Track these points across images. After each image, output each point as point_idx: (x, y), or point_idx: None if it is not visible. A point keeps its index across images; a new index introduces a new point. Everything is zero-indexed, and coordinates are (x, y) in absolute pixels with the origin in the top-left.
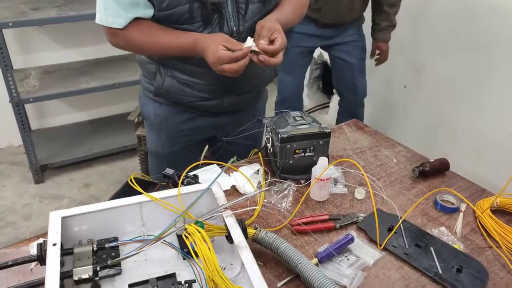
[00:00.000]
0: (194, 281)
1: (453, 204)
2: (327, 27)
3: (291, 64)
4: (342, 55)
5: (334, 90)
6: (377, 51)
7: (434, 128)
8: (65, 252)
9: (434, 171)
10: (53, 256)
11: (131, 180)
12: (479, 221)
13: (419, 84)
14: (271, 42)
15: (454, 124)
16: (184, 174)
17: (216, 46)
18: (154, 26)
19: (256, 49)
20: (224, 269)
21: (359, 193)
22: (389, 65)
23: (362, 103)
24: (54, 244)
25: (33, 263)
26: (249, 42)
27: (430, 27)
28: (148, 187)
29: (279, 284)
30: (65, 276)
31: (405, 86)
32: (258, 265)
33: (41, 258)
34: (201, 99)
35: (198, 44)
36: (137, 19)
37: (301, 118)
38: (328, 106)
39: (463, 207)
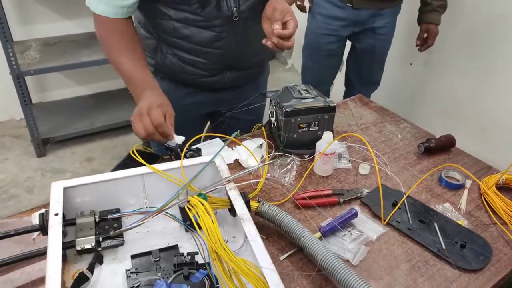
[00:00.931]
0: (196, 253)
1: (458, 180)
2: (362, 10)
3: (316, 51)
4: (367, 46)
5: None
6: (425, 35)
7: (439, 106)
8: (68, 222)
9: (439, 147)
10: (55, 225)
11: (133, 152)
12: (484, 198)
13: (426, 62)
14: (284, 24)
15: (460, 103)
16: (186, 147)
17: (159, 107)
18: (128, 40)
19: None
20: (227, 242)
21: (363, 169)
22: (394, 42)
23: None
24: (56, 214)
25: (35, 233)
26: (179, 140)
27: None
28: (150, 160)
29: (282, 257)
30: (67, 246)
31: (411, 64)
32: (261, 238)
33: (43, 228)
34: (202, 76)
35: (139, 85)
36: (125, 21)
37: (306, 92)
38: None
39: (468, 183)
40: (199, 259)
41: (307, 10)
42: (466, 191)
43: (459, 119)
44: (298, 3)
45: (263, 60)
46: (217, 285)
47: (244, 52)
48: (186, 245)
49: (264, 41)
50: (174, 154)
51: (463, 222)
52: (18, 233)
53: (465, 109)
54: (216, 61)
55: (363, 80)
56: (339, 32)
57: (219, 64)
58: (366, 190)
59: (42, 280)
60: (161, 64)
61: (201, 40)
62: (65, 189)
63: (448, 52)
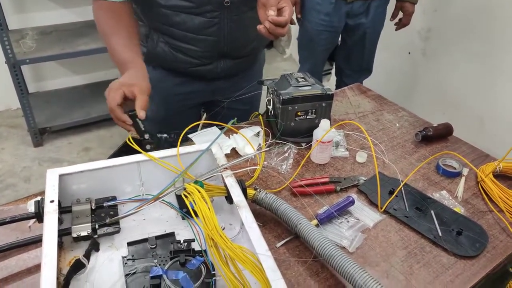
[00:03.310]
0: (193, 240)
1: (455, 168)
2: (354, 3)
3: (310, 44)
4: (358, 35)
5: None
6: (400, 13)
7: (438, 95)
8: (63, 210)
9: (437, 135)
10: (51, 212)
11: (129, 140)
12: (481, 185)
13: (424, 50)
14: (279, 11)
15: (458, 92)
16: (182, 134)
17: (120, 88)
18: (124, 25)
19: (141, 125)
20: (223, 229)
21: (361, 157)
22: (393, 31)
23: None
24: (52, 201)
25: (31, 221)
26: (141, 125)
27: None
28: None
29: (278, 244)
30: (63, 233)
31: (409, 53)
32: (258, 225)
33: (39, 215)
34: (194, 65)
35: (126, 67)
36: (123, 5)
37: (303, 80)
38: (330, 73)
39: (465, 171)
40: (195, 246)
41: (295, 22)
42: (463, 179)
43: (457, 108)
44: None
45: (257, 49)
46: (214, 272)
47: (237, 39)
48: (183, 232)
49: (258, 27)
50: (140, 135)
51: (459, 209)
52: (13, 220)
53: (463, 98)
54: (209, 49)
55: (353, 68)
56: (334, 28)
57: (212, 52)
58: (363, 178)
59: (38, 267)
60: (152, 52)
61: (193, 26)
62: (60, 176)
63: (447, 41)
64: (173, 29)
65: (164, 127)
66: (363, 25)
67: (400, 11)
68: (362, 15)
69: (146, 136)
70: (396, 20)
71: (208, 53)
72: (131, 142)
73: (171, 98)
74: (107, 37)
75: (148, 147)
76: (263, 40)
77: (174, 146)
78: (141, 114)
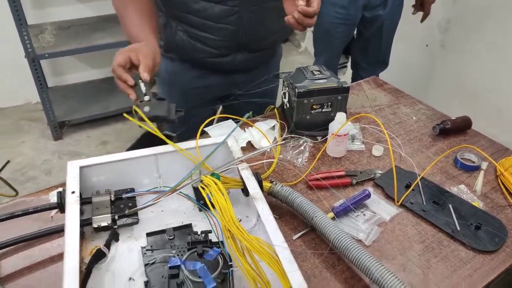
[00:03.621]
0: (210, 231)
1: (473, 162)
2: None
3: (326, 37)
4: (375, 28)
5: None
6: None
7: (456, 88)
8: (84, 201)
9: (455, 129)
10: (72, 203)
11: (147, 133)
12: (500, 179)
13: (443, 42)
14: (307, 2)
15: (476, 84)
16: (201, 128)
17: (126, 52)
18: (143, 11)
19: (142, 87)
20: (240, 221)
21: (377, 150)
22: (410, 23)
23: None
24: (73, 192)
25: (54, 211)
26: (143, 87)
27: None
28: (162, 141)
29: (294, 237)
30: (84, 223)
31: (427, 45)
32: (274, 218)
33: (60, 206)
34: (212, 55)
35: (137, 41)
36: None
37: (319, 73)
38: (345, 66)
39: (484, 165)
40: (212, 237)
41: None
42: (482, 172)
43: (476, 101)
44: None
45: (276, 42)
46: (231, 263)
47: (256, 30)
48: (200, 224)
49: (286, 18)
50: (140, 98)
51: (478, 203)
52: (36, 210)
53: (482, 91)
54: (228, 38)
55: (370, 61)
56: (351, 21)
57: (231, 42)
58: (380, 172)
59: (60, 256)
60: (170, 41)
61: (212, 14)
62: (81, 168)
63: (466, 32)
64: (192, 17)
65: (181, 121)
66: (380, 17)
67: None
68: (379, 7)
69: (146, 98)
70: (416, 12)
71: (227, 42)
72: (149, 133)
73: (190, 92)
74: (125, 22)
75: (146, 109)
76: (282, 34)
77: (176, 123)
78: (145, 75)
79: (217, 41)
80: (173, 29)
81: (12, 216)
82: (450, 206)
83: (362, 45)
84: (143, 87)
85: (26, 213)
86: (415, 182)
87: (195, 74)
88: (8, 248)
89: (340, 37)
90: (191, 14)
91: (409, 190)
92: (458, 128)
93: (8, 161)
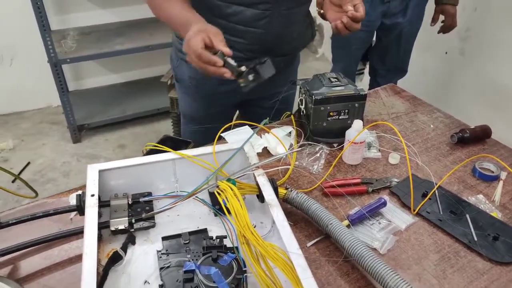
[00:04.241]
0: (225, 236)
1: (492, 172)
2: (392, 2)
3: (344, 43)
4: (394, 35)
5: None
6: (441, 17)
7: (475, 96)
8: (102, 204)
9: (474, 138)
10: (92, 206)
11: (161, 140)
12: None
13: (463, 50)
14: (354, 7)
15: (497, 92)
16: (218, 135)
17: (197, 34)
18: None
19: (232, 62)
20: (255, 227)
21: (393, 158)
22: (429, 30)
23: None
24: (92, 195)
25: (73, 213)
26: (232, 61)
27: None
28: (181, 145)
29: (309, 244)
30: (102, 226)
31: (446, 52)
32: (289, 224)
33: (80, 208)
34: (238, 59)
35: (188, 25)
36: None
37: (336, 80)
38: (362, 73)
39: (503, 175)
40: (227, 242)
41: None
42: (501, 183)
43: (496, 110)
44: (321, 11)
45: (298, 48)
46: (245, 269)
47: (283, 35)
48: (215, 229)
49: (333, 24)
50: (234, 73)
51: (496, 214)
52: (56, 212)
53: (502, 99)
54: (255, 42)
55: (388, 68)
56: (370, 28)
57: (258, 45)
58: (396, 180)
59: (78, 257)
60: None
61: (244, 18)
62: (100, 172)
63: (486, 40)
64: (223, 21)
65: (202, 126)
66: (400, 24)
67: (440, 15)
68: (399, 14)
69: (243, 68)
70: (436, 24)
71: (254, 46)
72: (161, 143)
73: (212, 97)
74: (163, 8)
75: (250, 77)
76: (304, 39)
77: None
78: (226, 50)
79: (245, 44)
80: None
81: (33, 218)
82: (468, 216)
83: (381, 52)
84: (232, 61)
85: (46, 214)
86: (432, 191)
87: (218, 80)
88: (28, 249)
89: (358, 43)
90: (222, 18)
91: (426, 199)
92: (477, 137)
93: (29, 163)
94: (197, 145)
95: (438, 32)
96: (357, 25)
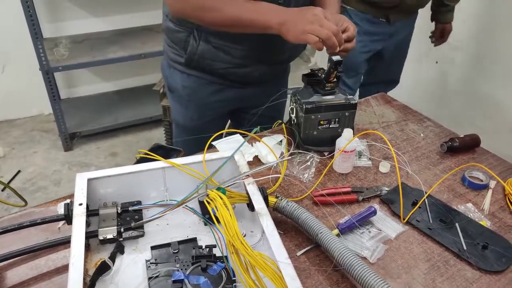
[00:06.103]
0: (214, 246)
1: (482, 180)
2: (396, 23)
3: (354, 67)
4: (387, 53)
5: None
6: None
7: (465, 106)
8: (91, 213)
9: (463, 147)
10: (79, 215)
11: (152, 149)
12: (508, 198)
13: (452, 60)
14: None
15: (487, 103)
16: (208, 143)
17: (322, 19)
18: None
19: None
20: (244, 236)
21: (384, 167)
22: (419, 41)
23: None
24: (80, 204)
25: (61, 222)
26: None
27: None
28: (171, 154)
29: (298, 253)
30: (90, 235)
31: (436, 62)
32: (278, 233)
33: (67, 218)
34: (233, 66)
35: (280, 10)
36: None
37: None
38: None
39: (492, 184)
40: (216, 252)
41: None
42: (490, 191)
43: (485, 119)
44: None
45: (293, 56)
46: (234, 278)
47: (279, 42)
48: (205, 238)
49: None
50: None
51: (485, 223)
52: (44, 221)
53: (492, 109)
54: (252, 49)
55: (380, 80)
56: (373, 48)
57: (255, 51)
58: (386, 188)
59: (66, 267)
60: (193, 52)
61: None
62: (89, 180)
63: (475, 49)
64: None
65: (195, 135)
66: (389, 47)
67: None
68: (402, 33)
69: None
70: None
71: (250, 52)
72: (149, 153)
73: (206, 106)
74: (221, 7)
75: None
76: (298, 48)
77: None
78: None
79: (242, 50)
80: (196, 41)
81: (21, 227)
82: (457, 224)
83: (373, 64)
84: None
85: (33, 224)
86: (422, 200)
87: (212, 88)
88: (15, 259)
89: (364, 67)
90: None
91: (416, 208)
92: (466, 146)
93: (19, 171)
94: (190, 153)
95: (435, 45)
96: (351, 45)
